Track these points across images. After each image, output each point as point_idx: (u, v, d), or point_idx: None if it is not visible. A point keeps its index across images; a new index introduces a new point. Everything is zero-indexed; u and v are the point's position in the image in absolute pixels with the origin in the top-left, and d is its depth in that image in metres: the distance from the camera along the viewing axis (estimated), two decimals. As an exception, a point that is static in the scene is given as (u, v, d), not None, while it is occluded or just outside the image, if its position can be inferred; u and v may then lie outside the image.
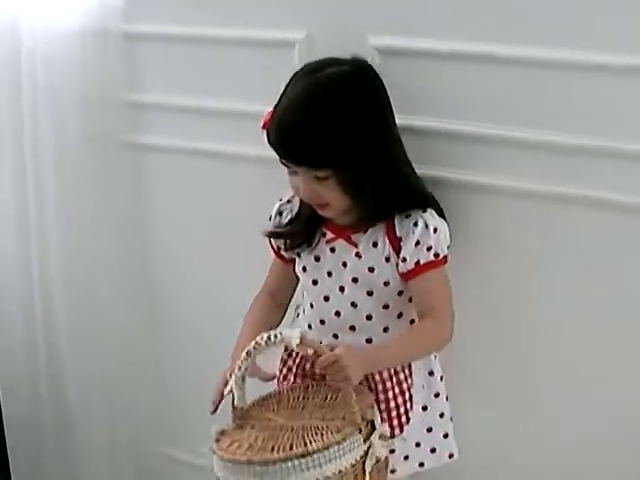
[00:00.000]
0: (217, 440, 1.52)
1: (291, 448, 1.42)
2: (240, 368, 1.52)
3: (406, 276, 1.61)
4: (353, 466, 1.45)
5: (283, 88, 1.57)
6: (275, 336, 1.48)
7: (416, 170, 1.67)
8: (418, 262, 1.59)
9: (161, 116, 2.00)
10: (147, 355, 2.17)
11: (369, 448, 1.47)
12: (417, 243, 1.59)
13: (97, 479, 2.29)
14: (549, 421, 1.76)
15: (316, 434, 1.45)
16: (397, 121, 1.67)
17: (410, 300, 1.66)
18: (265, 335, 1.48)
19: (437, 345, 1.65)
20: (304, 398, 1.61)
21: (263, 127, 1.58)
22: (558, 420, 1.75)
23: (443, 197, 1.67)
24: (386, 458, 1.54)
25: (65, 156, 2.04)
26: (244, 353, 1.51)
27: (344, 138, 1.52)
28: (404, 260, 1.59)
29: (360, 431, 1.47)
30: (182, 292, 2.11)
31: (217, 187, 1.97)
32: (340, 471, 1.43)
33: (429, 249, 1.59)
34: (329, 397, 1.58)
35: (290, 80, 1.58)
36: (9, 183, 2.13)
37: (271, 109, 1.58)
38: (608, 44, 1.50)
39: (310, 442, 1.43)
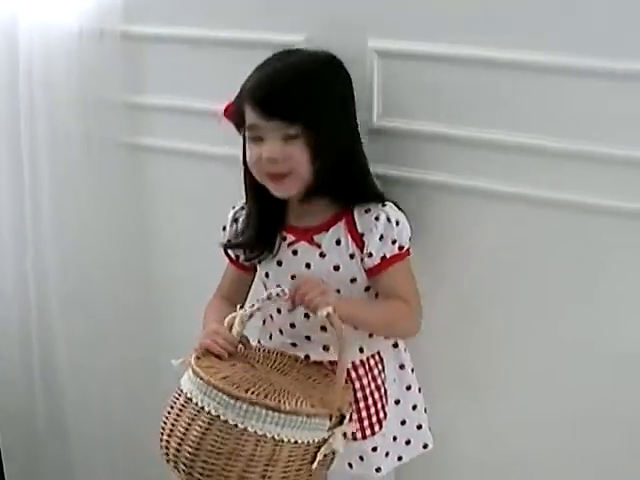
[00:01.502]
0: (197, 357, 1.53)
1: (265, 397, 1.43)
2: (253, 306, 1.54)
3: (373, 271, 1.62)
4: (308, 445, 1.46)
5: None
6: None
7: (412, 172, 1.71)
8: (384, 256, 1.60)
9: (160, 118, 1.99)
10: (144, 353, 2.17)
11: (329, 437, 1.48)
12: (381, 237, 1.60)
13: (92, 477, 2.29)
14: (523, 412, 1.77)
15: (291, 398, 1.46)
16: (393, 124, 1.70)
17: (377, 296, 1.66)
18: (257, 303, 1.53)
19: (404, 328, 1.66)
20: (290, 367, 1.62)
21: (225, 111, 1.63)
22: (532, 410, 1.76)
23: (427, 199, 1.70)
24: (332, 458, 1.53)
25: (62, 157, 2.03)
26: (265, 295, 1.54)
27: (319, 100, 1.56)
28: (370, 255, 1.60)
29: (330, 419, 1.48)
30: (181, 293, 2.10)
31: (216, 189, 1.95)
32: (296, 442, 1.44)
33: (394, 242, 1.61)
34: (312, 378, 1.59)
35: (261, 64, 1.62)
36: (5, 184, 2.12)
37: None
38: (598, 49, 1.50)
39: (283, 402, 1.43)
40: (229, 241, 1.73)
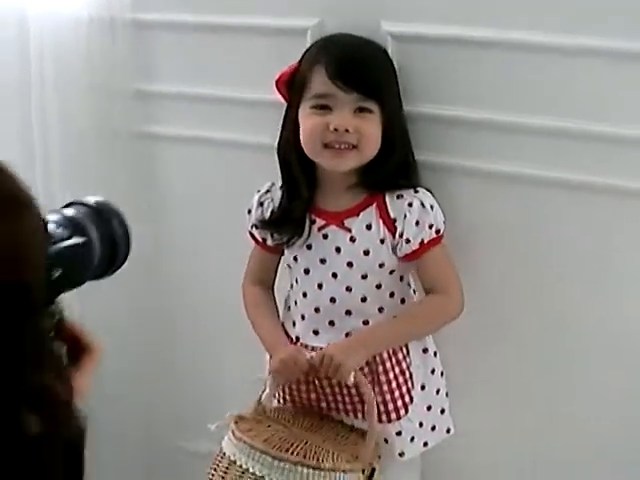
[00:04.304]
0: (235, 422, 1.60)
1: (304, 457, 1.52)
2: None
3: (410, 257, 1.62)
4: None
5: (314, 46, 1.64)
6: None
7: (429, 157, 1.69)
8: (422, 241, 1.61)
9: (170, 105, 1.97)
10: (160, 347, 2.15)
11: None
12: (417, 223, 1.60)
13: (107, 470, 2.28)
14: (543, 411, 1.76)
15: (327, 454, 1.54)
16: (410, 108, 1.69)
17: (401, 279, 1.67)
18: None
19: (448, 317, 1.66)
20: (318, 426, 1.67)
21: (279, 79, 1.64)
22: (554, 410, 1.75)
23: (447, 183, 1.68)
24: None
25: (73, 146, 2.02)
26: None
27: (392, 80, 1.62)
28: (408, 241, 1.60)
29: (363, 472, 1.55)
30: (193, 283, 2.08)
31: (228, 176, 1.94)
32: None
33: (430, 227, 1.61)
34: (341, 434, 1.66)
35: (325, 39, 1.64)
36: (17, 173, 2.11)
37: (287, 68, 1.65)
38: (617, 29, 1.49)
39: (322, 460, 1.52)
40: (256, 224, 1.71)
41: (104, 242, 1.03)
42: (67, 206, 1.00)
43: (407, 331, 1.67)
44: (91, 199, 1.05)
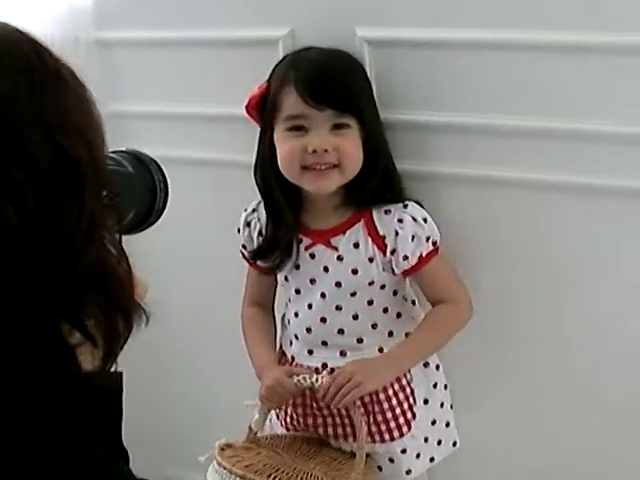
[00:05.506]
0: (222, 449, 1.57)
1: None
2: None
3: (409, 272, 1.59)
4: None
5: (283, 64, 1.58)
6: (316, 380, 1.55)
7: (410, 165, 1.65)
8: (420, 255, 1.57)
9: (140, 124, 1.91)
10: (148, 374, 2.10)
11: None
12: (413, 238, 1.56)
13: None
14: (545, 422, 1.73)
15: None
16: (389, 115, 1.64)
17: (395, 293, 1.63)
18: (307, 378, 1.56)
19: (459, 325, 1.63)
20: (316, 452, 1.65)
21: (249, 104, 1.59)
22: (560, 421, 1.71)
23: (435, 190, 1.64)
24: None
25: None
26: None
27: (364, 90, 1.56)
28: (405, 258, 1.56)
29: None
30: (173, 308, 2.02)
31: (203, 195, 1.90)
32: None
33: (427, 239, 1.57)
34: (338, 460, 1.62)
35: (292, 58, 1.58)
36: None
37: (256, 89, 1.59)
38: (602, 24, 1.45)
39: None
40: (244, 247, 1.68)
41: (142, 184, 1.03)
42: None
43: (426, 345, 1.63)
44: (124, 148, 1.04)
